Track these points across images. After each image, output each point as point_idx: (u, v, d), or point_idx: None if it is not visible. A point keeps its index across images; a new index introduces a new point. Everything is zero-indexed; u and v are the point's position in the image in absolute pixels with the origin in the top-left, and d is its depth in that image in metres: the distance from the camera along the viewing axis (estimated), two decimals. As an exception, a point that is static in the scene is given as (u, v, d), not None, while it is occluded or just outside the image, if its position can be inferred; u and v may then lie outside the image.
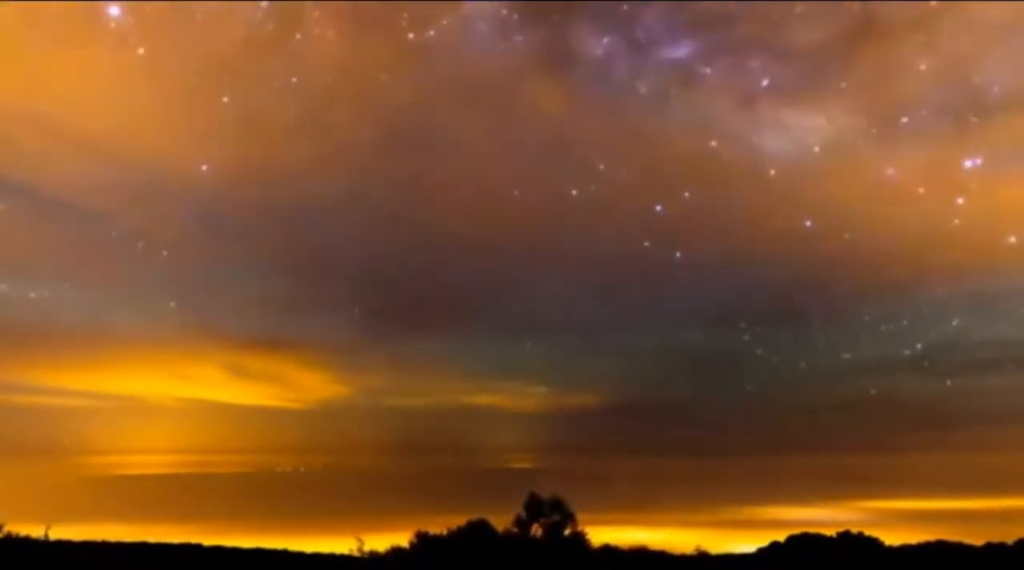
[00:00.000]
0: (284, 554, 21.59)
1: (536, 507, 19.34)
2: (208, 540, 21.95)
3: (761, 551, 22.30)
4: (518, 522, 19.27)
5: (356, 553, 20.12)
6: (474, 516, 18.88)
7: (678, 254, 45.47)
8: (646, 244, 44.21)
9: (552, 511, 19.29)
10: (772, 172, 42.45)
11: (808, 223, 43.13)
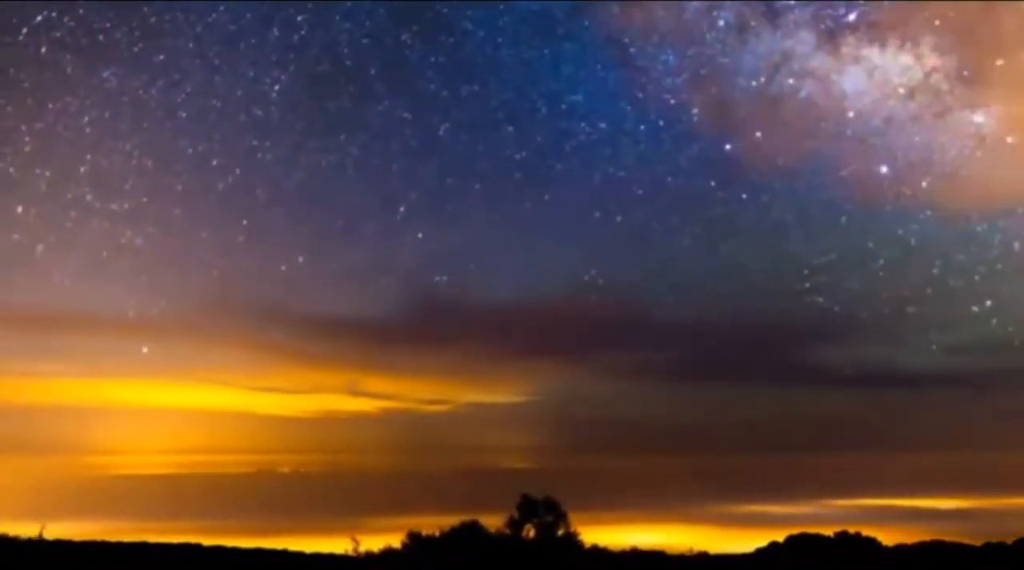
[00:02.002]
0: (284, 554, 21.62)
1: (529, 508, 19.33)
2: (208, 540, 21.93)
3: (760, 551, 22.25)
4: (510, 523, 19.28)
5: (351, 553, 20.16)
6: (467, 517, 18.91)
7: (744, 196, 44.74)
8: (712, 183, 43.56)
9: (545, 512, 19.29)
10: (851, 114, 41.52)
11: (884, 169, 41.99)
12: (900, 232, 42.60)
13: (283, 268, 40.97)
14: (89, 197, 37.45)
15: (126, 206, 38.12)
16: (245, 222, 40.20)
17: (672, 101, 42.76)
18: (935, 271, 42.52)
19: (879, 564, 20.69)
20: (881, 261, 42.50)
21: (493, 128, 43.22)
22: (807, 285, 42.69)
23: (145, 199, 38.45)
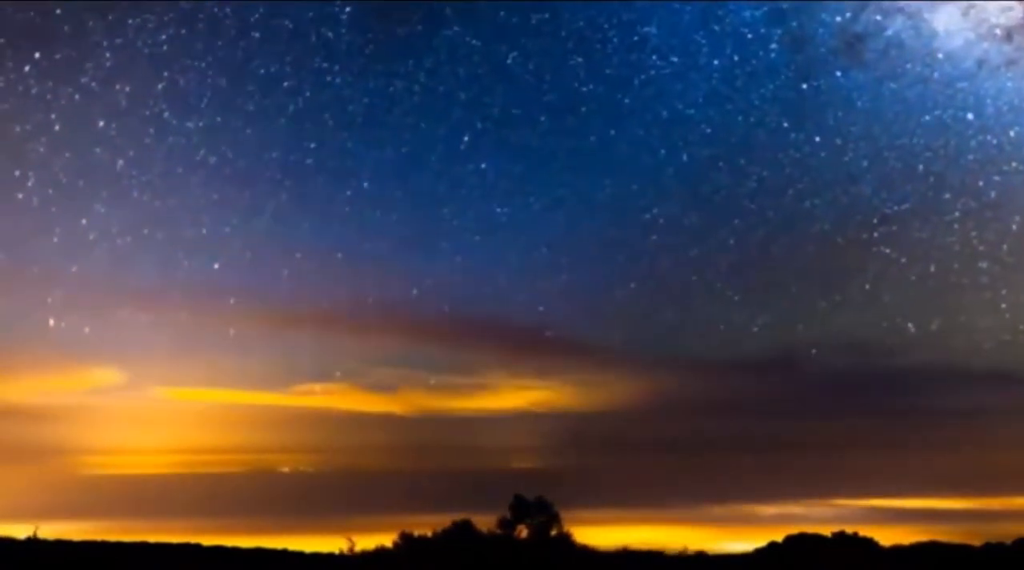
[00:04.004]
0: (283, 554, 21.69)
1: (521, 508, 19.37)
2: (208, 540, 21.97)
3: (758, 551, 22.26)
4: (503, 523, 19.32)
5: (347, 552, 20.23)
6: (460, 517, 18.94)
7: (817, 139, 42.83)
8: (784, 124, 41.97)
9: (538, 512, 19.31)
10: (940, 55, 39.12)
11: (970, 116, 39.35)
12: (980, 183, 40.45)
13: (348, 193, 41.78)
14: (166, 114, 38.88)
15: (201, 124, 39.41)
16: (313, 145, 40.93)
17: (749, 35, 41.32)
18: (1013, 227, 40.58)
19: (878, 564, 20.66)
20: (956, 213, 40.49)
21: (562, 59, 42.74)
22: (875, 234, 40.86)
23: (219, 118, 39.72)
